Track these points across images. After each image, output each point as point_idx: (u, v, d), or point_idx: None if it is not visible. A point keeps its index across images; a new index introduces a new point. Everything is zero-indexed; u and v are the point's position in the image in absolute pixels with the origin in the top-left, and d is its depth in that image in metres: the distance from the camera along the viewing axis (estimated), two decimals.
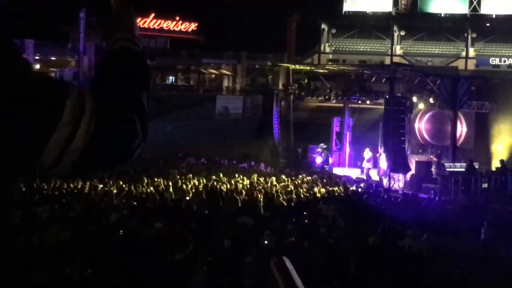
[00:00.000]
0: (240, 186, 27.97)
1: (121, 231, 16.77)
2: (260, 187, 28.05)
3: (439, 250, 19.83)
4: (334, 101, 43.46)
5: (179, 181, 28.25)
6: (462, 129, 41.57)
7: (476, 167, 37.23)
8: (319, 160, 40.74)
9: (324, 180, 33.00)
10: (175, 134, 43.83)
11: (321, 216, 21.36)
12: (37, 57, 54.84)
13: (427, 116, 42.24)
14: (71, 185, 24.87)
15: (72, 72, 55.15)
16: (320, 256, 15.78)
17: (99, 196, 22.86)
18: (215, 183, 28.00)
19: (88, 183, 25.54)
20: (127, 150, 2.26)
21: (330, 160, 41.47)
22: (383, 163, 37.85)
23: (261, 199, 24.54)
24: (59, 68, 57.18)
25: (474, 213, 27.01)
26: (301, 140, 42.99)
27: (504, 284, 18.27)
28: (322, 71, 47.23)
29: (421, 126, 42.30)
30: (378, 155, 38.82)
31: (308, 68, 47.85)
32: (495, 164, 39.25)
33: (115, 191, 24.09)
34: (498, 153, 40.35)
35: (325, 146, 41.53)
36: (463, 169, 35.90)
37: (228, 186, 27.45)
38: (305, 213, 21.98)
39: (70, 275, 13.09)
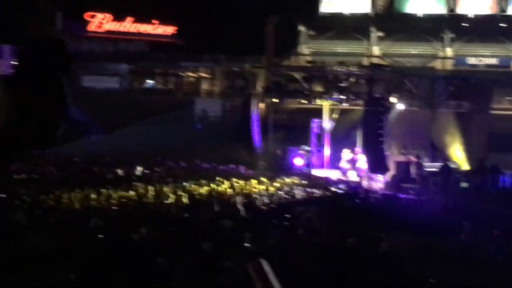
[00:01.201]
0: (220, 188, 28.11)
1: (102, 236, 16.75)
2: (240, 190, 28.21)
3: (419, 250, 19.89)
4: (312, 103, 43.52)
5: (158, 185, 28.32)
6: (440, 129, 41.74)
7: (455, 166, 37.46)
8: (299, 162, 40.81)
9: (304, 182, 33.12)
10: (154, 138, 43.81)
11: (301, 218, 21.41)
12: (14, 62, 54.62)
13: (406, 116, 42.37)
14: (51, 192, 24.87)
15: None
16: (299, 258, 15.83)
17: (79, 201, 22.81)
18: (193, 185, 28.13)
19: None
20: (47, 131, 2.31)
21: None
22: (362, 163, 37.98)
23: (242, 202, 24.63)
24: None
25: (454, 213, 27.09)
26: (281, 142, 43.04)
27: (483, 284, 18.36)
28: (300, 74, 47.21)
29: (400, 126, 42.42)
30: (355, 155, 38.88)
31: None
32: (474, 163, 39.53)
33: (94, 195, 24.06)
34: (476, 152, 40.57)
35: (307, 148, 41.66)
36: None
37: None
38: (286, 215, 22.00)
39: (52, 281, 13.07)
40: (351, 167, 39.02)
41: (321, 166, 41.80)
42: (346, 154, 39.29)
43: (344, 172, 39.01)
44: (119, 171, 33.83)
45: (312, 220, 20.82)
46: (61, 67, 2.53)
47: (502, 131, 42.15)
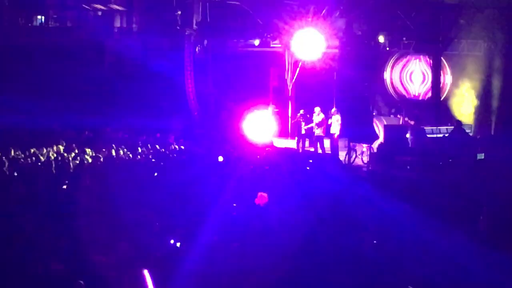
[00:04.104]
0: None
1: None
2: None
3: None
4: (270, 45, 43.02)
5: None
6: (446, 79, 41.51)
7: (468, 131, 37.04)
8: (252, 131, 40.47)
9: None
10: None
11: None
12: None
13: (400, 62, 42.12)
14: None
15: None
16: None
17: None
18: None
19: None
20: None
21: None
22: (336, 128, 37.00)
23: None
24: None
25: (468, 192, 26.45)
26: (227, 101, 42.95)
27: None
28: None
29: (393, 76, 42.11)
30: (329, 117, 37.91)
31: None
32: (492, 126, 39.34)
33: None
34: (493, 111, 40.41)
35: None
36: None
37: None
38: None
39: None
40: (322, 132, 37.72)
41: (285, 134, 41.03)
42: (318, 115, 38.01)
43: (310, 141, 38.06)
44: None
45: None
46: None
47: None
